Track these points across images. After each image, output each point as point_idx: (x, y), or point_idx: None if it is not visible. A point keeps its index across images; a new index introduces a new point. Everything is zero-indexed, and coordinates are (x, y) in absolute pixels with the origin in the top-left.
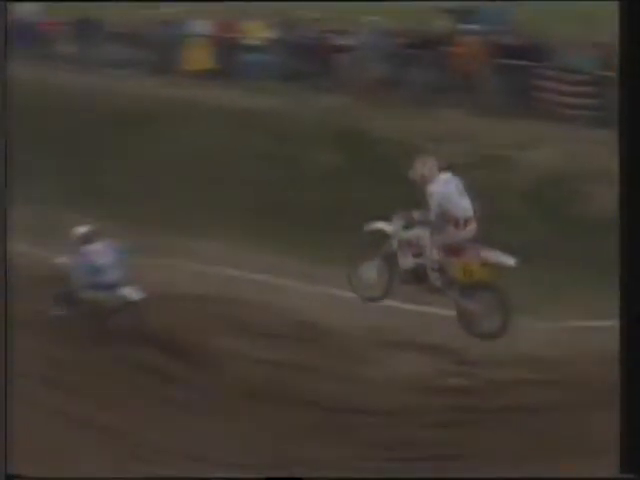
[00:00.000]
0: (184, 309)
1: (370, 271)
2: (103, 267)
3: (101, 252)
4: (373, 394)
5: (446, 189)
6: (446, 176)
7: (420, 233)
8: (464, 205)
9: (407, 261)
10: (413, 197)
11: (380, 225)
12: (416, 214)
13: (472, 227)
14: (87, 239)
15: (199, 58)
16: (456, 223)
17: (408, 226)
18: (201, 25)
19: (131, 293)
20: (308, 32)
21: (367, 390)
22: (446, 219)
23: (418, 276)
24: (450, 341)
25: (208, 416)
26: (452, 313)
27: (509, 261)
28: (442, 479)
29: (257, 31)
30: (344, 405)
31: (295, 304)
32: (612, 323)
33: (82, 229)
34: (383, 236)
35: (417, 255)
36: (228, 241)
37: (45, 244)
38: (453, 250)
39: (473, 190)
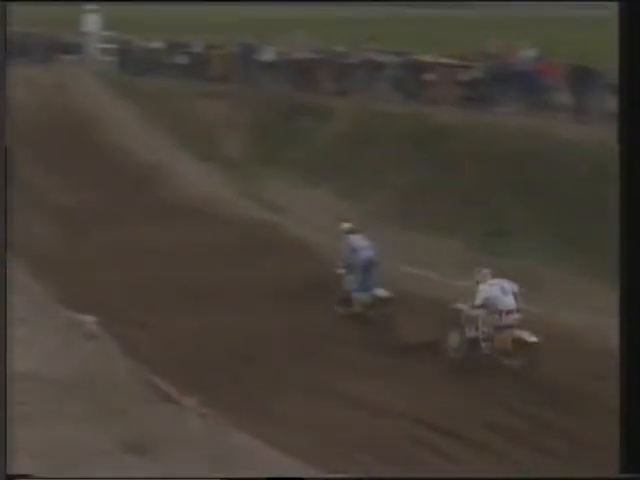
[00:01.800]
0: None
1: (453, 337)
2: (359, 247)
3: (358, 239)
4: None
5: (491, 290)
6: (494, 281)
7: (478, 313)
8: (506, 301)
9: (470, 332)
10: None
11: (459, 305)
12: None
13: (513, 316)
14: (350, 231)
15: None
16: (499, 313)
17: (472, 308)
18: None
19: (381, 292)
20: None
21: None
22: (492, 310)
23: (475, 343)
24: None
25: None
26: None
27: (532, 338)
28: (442, 479)
29: None
30: None
31: None
32: None
33: (346, 225)
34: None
35: (476, 329)
36: None
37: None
38: (497, 328)
39: None
